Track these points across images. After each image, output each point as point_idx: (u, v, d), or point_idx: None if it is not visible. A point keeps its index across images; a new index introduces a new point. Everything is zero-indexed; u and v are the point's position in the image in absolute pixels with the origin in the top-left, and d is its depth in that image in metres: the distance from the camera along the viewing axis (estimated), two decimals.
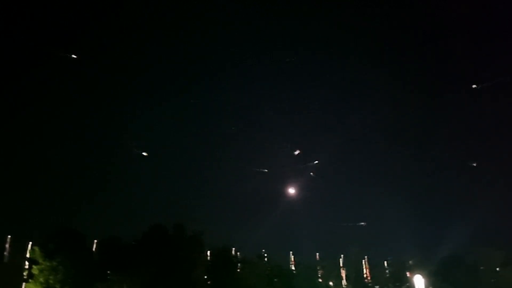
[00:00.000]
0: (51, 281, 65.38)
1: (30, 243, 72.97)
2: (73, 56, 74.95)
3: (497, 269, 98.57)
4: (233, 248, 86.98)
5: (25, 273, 70.35)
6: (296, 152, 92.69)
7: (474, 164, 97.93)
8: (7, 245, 77.38)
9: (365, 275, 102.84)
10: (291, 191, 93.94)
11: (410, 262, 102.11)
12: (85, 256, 70.37)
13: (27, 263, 70.93)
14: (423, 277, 71.44)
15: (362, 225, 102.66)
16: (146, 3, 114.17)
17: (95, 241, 76.93)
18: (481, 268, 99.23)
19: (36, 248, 67.93)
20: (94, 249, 76.18)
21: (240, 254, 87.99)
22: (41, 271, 65.77)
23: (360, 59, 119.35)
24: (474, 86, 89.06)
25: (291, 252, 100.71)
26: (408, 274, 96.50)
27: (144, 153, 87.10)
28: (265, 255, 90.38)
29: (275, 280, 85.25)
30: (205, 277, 78.05)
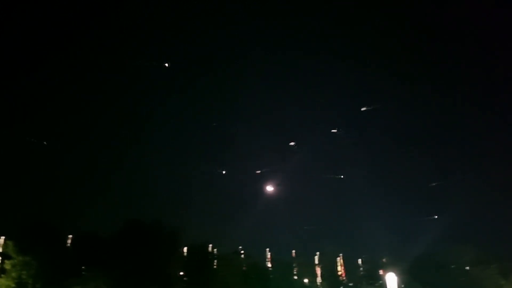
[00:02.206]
0: (23, 276, 64.53)
1: (3, 237, 71.63)
2: (166, 65, 74.60)
3: (467, 268, 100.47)
4: (210, 245, 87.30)
5: None
6: (292, 143, 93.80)
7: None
8: None
9: (339, 273, 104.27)
10: (269, 189, 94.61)
11: (384, 260, 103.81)
12: (60, 251, 69.51)
13: None
14: (396, 275, 72.58)
15: (434, 218, 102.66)
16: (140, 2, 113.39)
17: (70, 236, 76.03)
18: (452, 266, 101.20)
19: (9, 243, 66.87)
20: (69, 244, 75.27)
21: (217, 251, 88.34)
22: (13, 266, 64.82)
23: (364, 59, 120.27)
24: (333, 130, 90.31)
25: (267, 249, 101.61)
26: (381, 272, 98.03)
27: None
28: (242, 252, 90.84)
29: (251, 277, 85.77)
30: (181, 273, 78.16)
